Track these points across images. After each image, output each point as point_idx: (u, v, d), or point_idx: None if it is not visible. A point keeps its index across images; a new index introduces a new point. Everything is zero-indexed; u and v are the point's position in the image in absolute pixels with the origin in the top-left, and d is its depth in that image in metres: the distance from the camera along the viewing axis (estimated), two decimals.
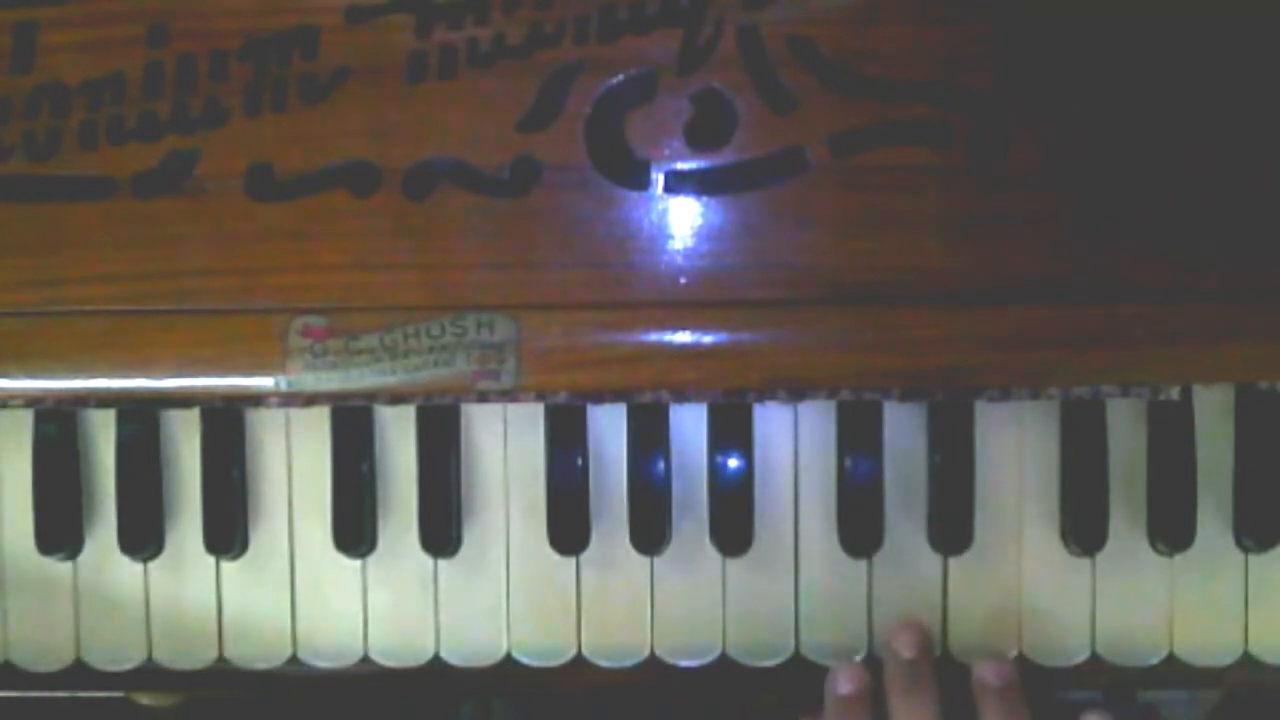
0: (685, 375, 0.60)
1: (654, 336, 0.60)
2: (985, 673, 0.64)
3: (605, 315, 0.60)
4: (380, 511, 0.67)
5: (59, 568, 0.68)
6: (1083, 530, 0.65)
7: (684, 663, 0.67)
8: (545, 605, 0.67)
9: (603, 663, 0.67)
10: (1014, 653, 0.67)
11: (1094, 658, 0.67)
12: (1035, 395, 0.62)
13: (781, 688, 0.68)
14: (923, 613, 0.67)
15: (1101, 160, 0.60)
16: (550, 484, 0.65)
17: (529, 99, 0.61)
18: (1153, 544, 0.66)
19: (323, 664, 0.68)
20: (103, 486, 0.67)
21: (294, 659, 0.68)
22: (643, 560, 0.67)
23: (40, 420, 0.67)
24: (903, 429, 0.66)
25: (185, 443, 0.67)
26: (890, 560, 0.66)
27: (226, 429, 0.67)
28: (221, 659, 0.68)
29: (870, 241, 0.60)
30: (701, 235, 0.61)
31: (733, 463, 0.64)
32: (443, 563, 0.67)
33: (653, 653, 0.67)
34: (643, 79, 0.61)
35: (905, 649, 0.64)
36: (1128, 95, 0.60)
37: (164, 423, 0.67)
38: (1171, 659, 0.66)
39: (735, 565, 0.67)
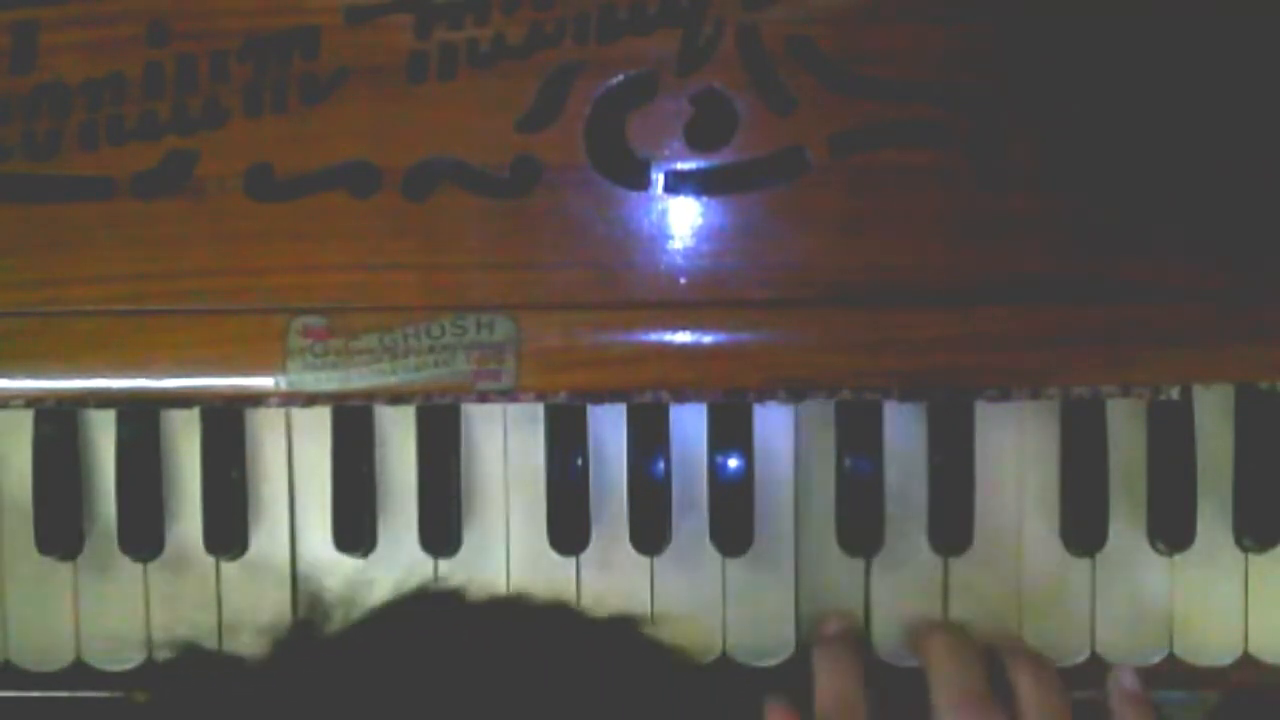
0: (685, 375, 0.60)
1: (654, 336, 0.60)
2: (1125, 680, 0.62)
3: (605, 315, 0.60)
4: (380, 511, 0.67)
5: (59, 568, 0.68)
6: (1083, 530, 0.65)
7: None
8: None
9: None
10: None
11: (1094, 658, 0.67)
12: (1035, 395, 0.62)
13: (781, 688, 0.68)
14: (923, 613, 0.67)
15: (1101, 160, 0.60)
16: (550, 484, 0.65)
17: (529, 99, 0.61)
18: (1153, 544, 0.66)
19: None
20: (103, 486, 0.67)
21: None
22: (643, 560, 0.67)
23: (40, 420, 0.67)
24: (903, 429, 0.66)
25: (185, 443, 0.67)
26: (890, 560, 0.66)
27: (226, 429, 0.67)
28: None
29: (870, 241, 0.60)
30: (701, 235, 0.61)
31: (733, 463, 0.64)
32: (443, 563, 0.67)
33: None
34: (643, 79, 0.61)
35: (829, 626, 0.65)
36: (1128, 95, 0.60)
37: (164, 423, 0.67)
38: (1171, 659, 0.66)
39: (735, 565, 0.67)
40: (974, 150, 0.60)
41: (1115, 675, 0.62)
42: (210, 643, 0.67)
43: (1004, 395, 0.62)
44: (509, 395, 0.61)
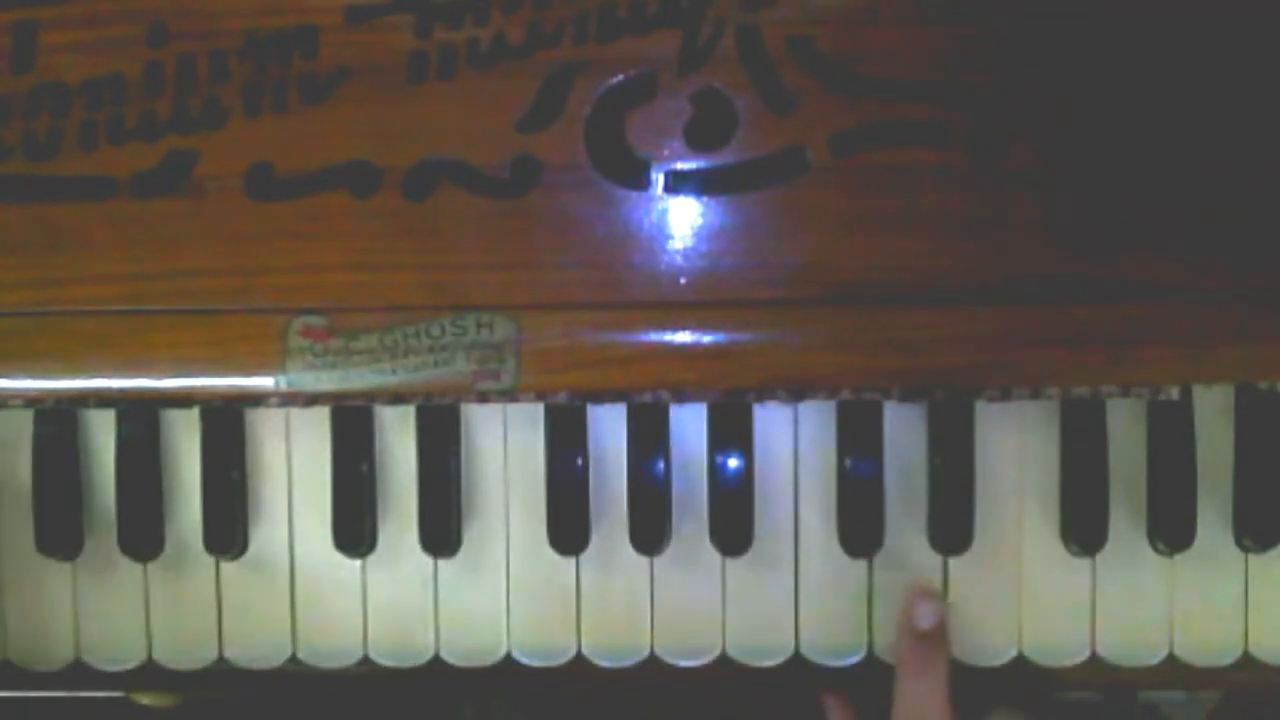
0: (685, 375, 0.60)
1: (654, 336, 0.60)
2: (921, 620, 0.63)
3: (605, 315, 0.60)
4: (380, 511, 0.67)
5: (59, 568, 0.68)
6: (1083, 530, 0.65)
7: (684, 663, 0.67)
8: (545, 605, 0.67)
9: (603, 663, 0.67)
10: (1014, 653, 0.67)
11: (1094, 658, 0.67)
12: (1035, 395, 0.62)
13: (781, 688, 0.68)
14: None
15: (1101, 160, 0.60)
16: (550, 484, 0.65)
17: (529, 99, 0.61)
18: (1153, 544, 0.66)
19: (323, 664, 0.68)
20: (103, 486, 0.67)
21: (294, 659, 0.68)
22: (643, 560, 0.67)
23: (40, 420, 0.67)
24: (903, 429, 0.66)
25: (185, 443, 0.67)
26: (890, 560, 0.66)
27: (226, 429, 0.67)
28: (221, 659, 0.68)
29: (870, 241, 0.60)
30: (701, 235, 0.61)
31: (733, 463, 0.64)
32: (443, 563, 0.67)
33: (653, 653, 0.67)
34: (643, 79, 0.61)
35: (923, 619, 0.64)
36: (1128, 95, 0.60)
37: (164, 423, 0.67)
38: (1171, 659, 0.66)
39: (735, 565, 0.67)
40: (974, 150, 0.60)
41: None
42: (210, 643, 0.68)
43: (1004, 395, 0.62)
44: (509, 395, 0.61)
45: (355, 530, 0.66)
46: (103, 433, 0.67)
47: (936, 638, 0.64)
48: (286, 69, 0.61)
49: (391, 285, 0.61)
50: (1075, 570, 0.66)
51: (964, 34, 0.60)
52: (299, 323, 0.60)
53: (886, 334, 0.60)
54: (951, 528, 0.65)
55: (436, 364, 0.60)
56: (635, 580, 0.67)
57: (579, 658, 0.67)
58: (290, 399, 0.62)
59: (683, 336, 0.60)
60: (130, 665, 0.68)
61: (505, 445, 0.67)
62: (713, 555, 0.66)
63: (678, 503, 0.66)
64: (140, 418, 0.67)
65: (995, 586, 0.67)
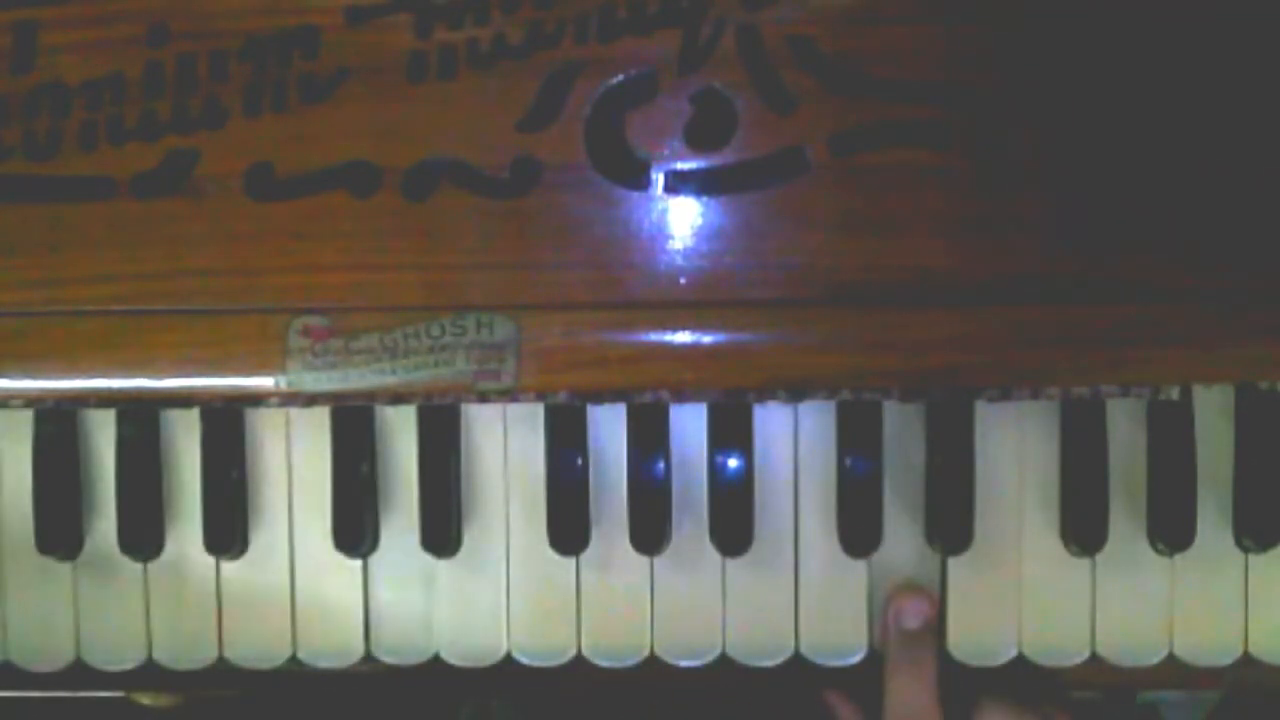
0: (685, 375, 0.60)
1: (654, 336, 0.60)
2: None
3: (605, 315, 0.60)
4: (380, 511, 0.67)
5: (59, 568, 0.68)
6: (1083, 530, 0.65)
7: (684, 663, 0.67)
8: (545, 605, 0.67)
9: (603, 663, 0.67)
10: (1014, 653, 0.67)
11: (1094, 658, 0.67)
12: (1035, 395, 0.62)
13: (781, 688, 0.68)
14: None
15: (1101, 160, 0.60)
16: (550, 484, 0.65)
17: (529, 99, 0.61)
18: (1153, 544, 0.66)
19: (323, 664, 0.68)
20: (103, 486, 0.67)
21: (294, 659, 0.68)
22: (643, 560, 0.67)
23: (40, 420, 0.67)
24: (903, 429, 0.66)
25: (185, 443, 0.67)
26: (890, 560, 0.66)
27: (226, 429, 0.67)
28: (221, 659, 0.68)
29: (870, 241, 0.60)
30: (701, 235, 0.61)
31: (733, 463, 0.64)
32: (443, 563, 0.67)
33: (653, 653, 0.67)
34: (643, 79, 0.61)
35: (910, 619, 0.64)
36: (1128, 95, 0.60)
37: (164, 423, 0.67)
38: (1171, 659, 0.66)
39: (735, 565, 0.67)
40: (974, 150, 0.60)
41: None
42: (210, 643, 0.68)
43: (1004, 395, 0.62)
44: (509, 395, 0.61)
45: (355, 530, 0.66)
46: (103, 433, 0.67)
47: (923, 636, 0.64)
48: (286, 69, 0.61)
49: (391, 285, 0.61)
50: (1075, 570, 0.66)
51: (964, 34, 0.60)
52: (299, 323, 0.60)
53: (886, 334, 0.60)
54: (951, 528, 0.65)
55: (436, 364, 0.60)
56: (635, 580, 0.67)
57: (579, 658, 0.67)
58: (290, 399, 0.62)
59: (683, 336, 0.60)
60: (130, 665, 0.68)
61: (505, 445, 0.67)
62: (713, 555, 0.66)
63: (678, 503, 0.66)
64: (140, 418, 0.67)
65: (995, 586, 0.67)
